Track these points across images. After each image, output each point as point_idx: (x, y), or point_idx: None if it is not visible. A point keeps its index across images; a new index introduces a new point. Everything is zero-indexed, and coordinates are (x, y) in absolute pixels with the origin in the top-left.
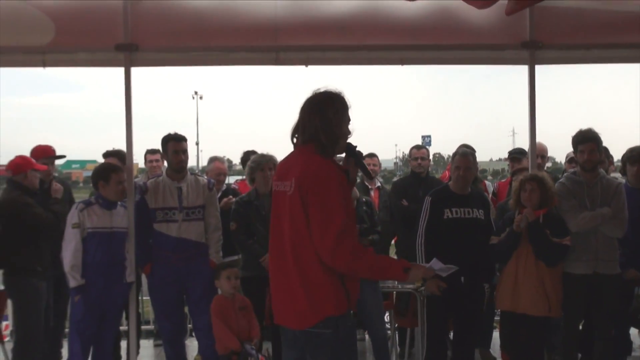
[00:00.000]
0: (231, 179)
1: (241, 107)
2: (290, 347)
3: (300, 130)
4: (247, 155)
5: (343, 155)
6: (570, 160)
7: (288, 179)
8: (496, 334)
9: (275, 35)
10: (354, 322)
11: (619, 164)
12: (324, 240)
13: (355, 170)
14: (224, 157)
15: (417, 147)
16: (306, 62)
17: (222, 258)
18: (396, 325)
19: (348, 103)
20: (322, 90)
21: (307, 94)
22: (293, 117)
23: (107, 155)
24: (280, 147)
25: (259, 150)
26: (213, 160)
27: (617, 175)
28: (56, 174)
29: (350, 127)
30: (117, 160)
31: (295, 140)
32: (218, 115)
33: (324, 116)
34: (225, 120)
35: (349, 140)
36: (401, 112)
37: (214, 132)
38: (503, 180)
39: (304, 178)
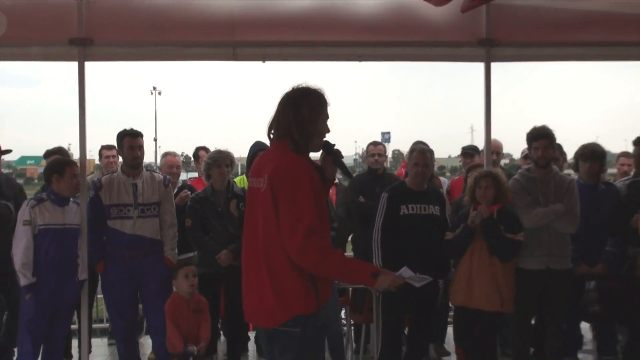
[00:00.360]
0: (191, 176)
1: (200, 103)
2: (266, 344)
3: (275, 126)
4: (198, 151)
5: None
6: (525, 156)
7: (262, 175)
8: (450, 329)
9: (233, 30)
10: (323, 322)
11: (572, 160)
12: (292, 238)
13: (333, 169)
14: (182, 153)
15: (374, 144)
16: (264, 58)
17: (177, 255)
18: (352, 321)
19: (326, 100)
20: (300, 86)
21: (264, 89)
22: (252, 113)
23: (48, 154)
24: (239, 143)
25: (213, 147)
26: (165, 155)
27: (570, 172)
28: (9, 170)
29: (329, 124)
30: None
31: (271, 135)
32: (177, 111)
33: (298, 112)
34: (184, 116)
35: (326, 139)
36: (361, 108)
37: (173, 128)
38: (456, 178)
39: (275, 174)
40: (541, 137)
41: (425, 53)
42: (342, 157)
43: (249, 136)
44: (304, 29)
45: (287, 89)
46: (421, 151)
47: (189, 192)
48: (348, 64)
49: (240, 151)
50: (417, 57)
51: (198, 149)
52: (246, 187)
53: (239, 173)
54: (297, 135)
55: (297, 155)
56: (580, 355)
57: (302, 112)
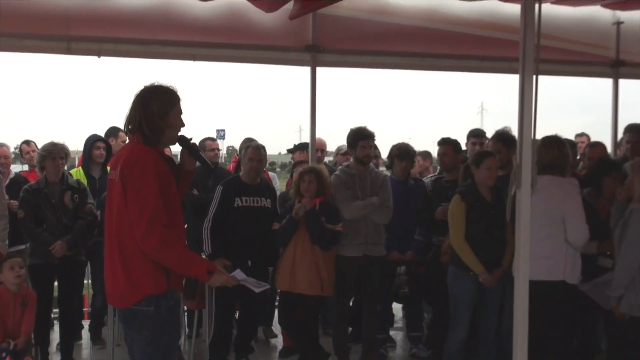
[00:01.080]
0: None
1: (37, 96)
2: (125, 325)
3: (128, 122)
4: (21, 145)
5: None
6: (344, 153)
7: (116, 167)
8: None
9: (67, 24)
10: (177, 300)
11: (387, 160)
12: (137, 224)
13: (190, 161)
14: (17, 145)
15: (211, 139)
16: (99, 53)
17: (8, 247)
18: (185, 307)
19: (178, 96)
20: (151, 84)
21: (99, 84)
22: (86, 107)
23: None
24: (75, 135)
25: (44, 140)
26: None
27: (383, 169)
28: None
29: (183, 119)
30: None
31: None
32: (13, 104)
33: (147, 108)
34: (21, 108)
35: (182, 133)
36: (196, 106)
37: (8, 121)
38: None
39: (124, 165)
40: (368, 137)
41: (256, 56)
42: (199, 149)
43: (85, 129)
44: (140, 27)
45: (124, 84)
46: (256, 147)
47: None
48: (184, 62)
49: (75, 144)
50: (248, 59)
51: (23, 143)
52: (81, 180)
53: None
54: (147, 129)
55: (146, 147)
56: (391, 332)
57: (152, 108)
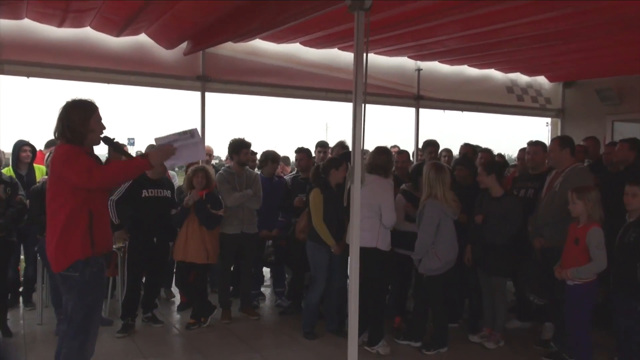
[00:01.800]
0: None
1: None
2: (61, 287)
3: (55, 130)
4: None
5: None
6: (231, 157)
7: (49, 166)
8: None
9: (0, 49)
10: (100, 266)
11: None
12: (83, 181)
13: (117, 156)
14: None
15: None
16: (28, 74)
17: None
18: None
19: (95, 105)
20: (72, 99)
21: (27, 100)
22: (16, 119)
23: None
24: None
25: None
26: None
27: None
28: None
29: (103, 123)
30: None
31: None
32: None
33: (69, 118)
34: None
35: (106, 134)
36: (110, 119)
37: None
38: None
39: (53, 161)
40: (247, 146)
41: (158, 82)
42: (122, 145)
43: (14, 137)
44: (63, 55)
45: (48, 101)
46: None
47: None
48: (100, 85)
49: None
50: (152, 84)
51: None
52: (13, 176)
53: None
54: (70, 136)
55: (69, 145)
56: (262, 289)
57: (73, 118)
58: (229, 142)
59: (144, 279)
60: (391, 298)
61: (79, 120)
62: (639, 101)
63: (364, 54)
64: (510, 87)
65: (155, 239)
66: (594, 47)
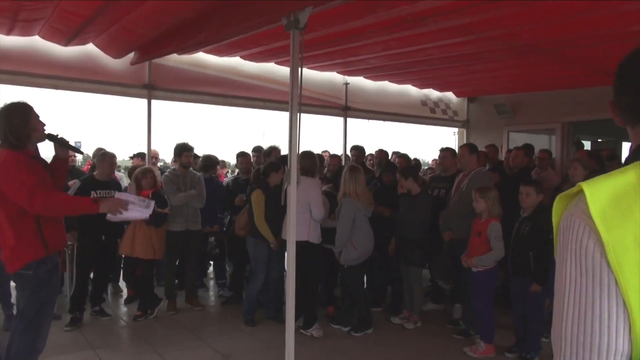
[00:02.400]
0: None
1: None
2: (16, 285)
3: None
4: None
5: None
6: (176, 160)
7: None
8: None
9: None
10: (55, 264)
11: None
12: (23, 200)
13: (63, 151)
14: None
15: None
16: None
17: None
18: None
19: (30, 106)
20: (5, 104)
21: None
22: None
23: None
24: None
25: None
26: None
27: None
28: None
29: (42, 120)
30: None
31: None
32: None
33: (10, 122)
34: None
35: (49, 132)
36: (58, 124)
37: None
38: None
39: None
40: (189, 149)
41: (106, 89)
42: (66, 141)
43: None
44: (12, 61)
45: None
46: (110, 156)
47: None
48: (48, 90)
49: None
50: (100, 90)
51: None
52: None
53: None
54: (12, 139)
55: (10, 151)
56: (205, 280)
57: (13, 120)
58: (174, 146)
59: (92, 274)
60: (322, 288)
61: (20, 122)
62: (528, 114)
63: (299, 69)
64: (424, 101)
65: (104, 237)
66: (492, 69)
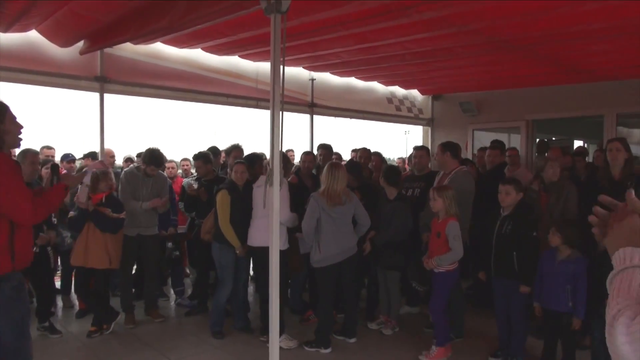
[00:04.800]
0: None
1: None
2: None
3: None
4: None
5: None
6: (127, 160)
7: None
8: None
9: None
10: (20, 280)
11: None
12: (24, 214)
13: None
14: None
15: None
16: None
17: None
18: None
19: (6, 105)
20: None
21: None
22: None
23: None
24: None
25: None
26: None
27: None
28: None
29: (18, 122)
30: None
31: None
32: None
33: None
34: None
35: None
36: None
37: None
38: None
39: None
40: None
41: (52, 81)
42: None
43: None
44: None
45: None
46: (32, 153)
47: None
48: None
49: None
50: (46, 83)
51: None
52: None
53: None
54: None
55: None
56: (165, 289)
57: None
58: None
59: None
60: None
61: None
62: (492, 112)
63: (281, 59)
64: (390, 98)
65: (34, 248)
66: (456, 67)
